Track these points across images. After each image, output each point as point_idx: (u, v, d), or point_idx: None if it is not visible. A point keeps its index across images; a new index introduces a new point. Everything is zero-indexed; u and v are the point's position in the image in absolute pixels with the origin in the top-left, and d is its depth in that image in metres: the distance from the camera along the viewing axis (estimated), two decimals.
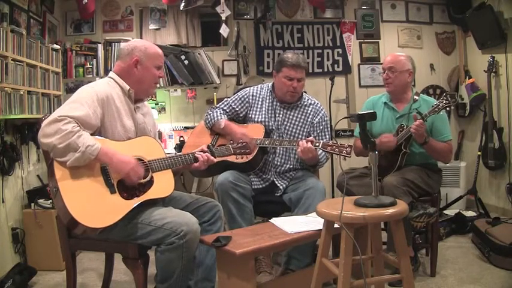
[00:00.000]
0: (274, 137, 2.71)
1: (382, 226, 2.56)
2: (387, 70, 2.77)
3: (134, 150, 1.97)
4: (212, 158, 2.16)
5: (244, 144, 2.30)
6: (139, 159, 1.96)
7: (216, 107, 2.83)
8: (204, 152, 2.15)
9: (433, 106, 2.51)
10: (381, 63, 4.49)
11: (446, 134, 2.68)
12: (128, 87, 2.06)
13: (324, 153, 2.57)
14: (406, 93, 2.80)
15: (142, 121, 2.13)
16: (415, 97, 2.75)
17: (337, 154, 2.30)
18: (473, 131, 4.44)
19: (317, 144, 2.39)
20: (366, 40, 4.55)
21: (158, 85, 3.61)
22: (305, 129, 2.75)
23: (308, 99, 2.82)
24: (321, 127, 2.76)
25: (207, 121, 2.79)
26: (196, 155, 2.12)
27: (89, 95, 1.91)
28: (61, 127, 1.76)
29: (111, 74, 2.10)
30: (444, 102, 2.48)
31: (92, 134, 1.87)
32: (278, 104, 2.77)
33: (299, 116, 2.76)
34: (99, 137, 1.92)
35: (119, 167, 1.86)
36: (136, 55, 2.05)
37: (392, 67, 2.74)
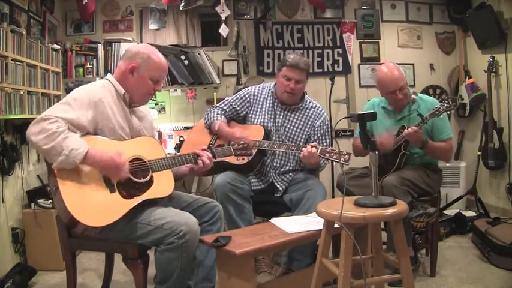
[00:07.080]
0: (274, 138, 2.70)
1: (382, 226, 2.56)
2: (398, 91, 2.64)
3: (135, 150, 1.97)
4: (212, 157, 2.15)
5: (245, 145, 2.31)
6: (140, 159, 1.96)
7: (216, 106, 2.82)
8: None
9: (434, 109, 2.51)
10: (381, 63, 4.51)
11: (447, 132, 2.68)
12: (123, 91, 2.03)
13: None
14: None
15: (138, 125, 2.11)
16: (413, 96, 2.74)
17: (335, 161, 2.29)
18: (473, 131, 4.44)
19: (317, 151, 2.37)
20: (366, 40, 4.54)
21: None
22: (305, 132, 2.73)
23: (310, 102, 2.80)
24: (322, 131, 2.74)
25: (206, 120, 2.79)
26: (198, 152, 2.12)
27: (81, 97, 1.90)
28: (45, 126, 1.73)
29: (108, 76, 2.08)
30: (445, 106, 2.48)
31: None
32: (279, 105, 2.75)
33: (299, 118, 2.74)
34: (100, 137, 1.92)
35: (105, 169, 1.83)
36: (136, 61, 2.01)
37: (402, 86, 2.64)
